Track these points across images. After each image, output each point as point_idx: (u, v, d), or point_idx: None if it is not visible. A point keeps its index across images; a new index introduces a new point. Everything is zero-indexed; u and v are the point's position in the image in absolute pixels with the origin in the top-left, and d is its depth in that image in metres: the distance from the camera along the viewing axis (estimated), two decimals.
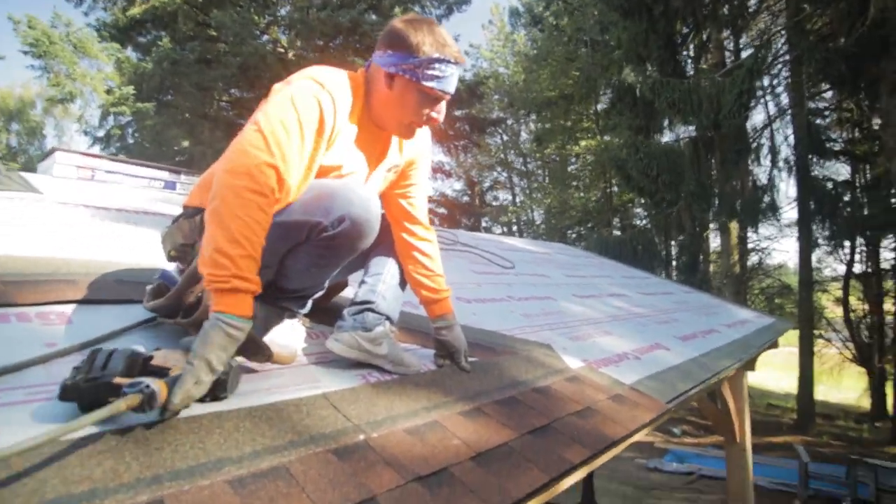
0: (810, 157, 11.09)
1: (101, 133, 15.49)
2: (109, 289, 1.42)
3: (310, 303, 1.45)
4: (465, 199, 27.53)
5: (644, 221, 15.67)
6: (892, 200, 10.45)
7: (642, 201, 14.36)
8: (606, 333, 2.56)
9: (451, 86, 1.30)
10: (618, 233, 17.25)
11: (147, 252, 1.84)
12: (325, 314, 1.63)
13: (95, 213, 2.15)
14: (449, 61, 1.27)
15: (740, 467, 4.41)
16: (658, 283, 5.06)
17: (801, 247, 12.29)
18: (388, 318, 1.45)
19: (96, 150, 14.74)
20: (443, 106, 1.34)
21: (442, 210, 23.65)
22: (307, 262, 1.28)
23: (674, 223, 11.51)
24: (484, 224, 26.98)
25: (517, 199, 27.45)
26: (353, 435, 1.07)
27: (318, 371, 1.34)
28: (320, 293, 1.46)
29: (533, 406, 1.45)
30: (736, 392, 4.28)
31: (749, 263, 16.04)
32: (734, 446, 4.49)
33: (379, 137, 1.40)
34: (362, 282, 1.49)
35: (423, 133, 1.48)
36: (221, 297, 1.01)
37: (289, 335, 1.34)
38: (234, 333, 1.00)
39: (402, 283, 1.55)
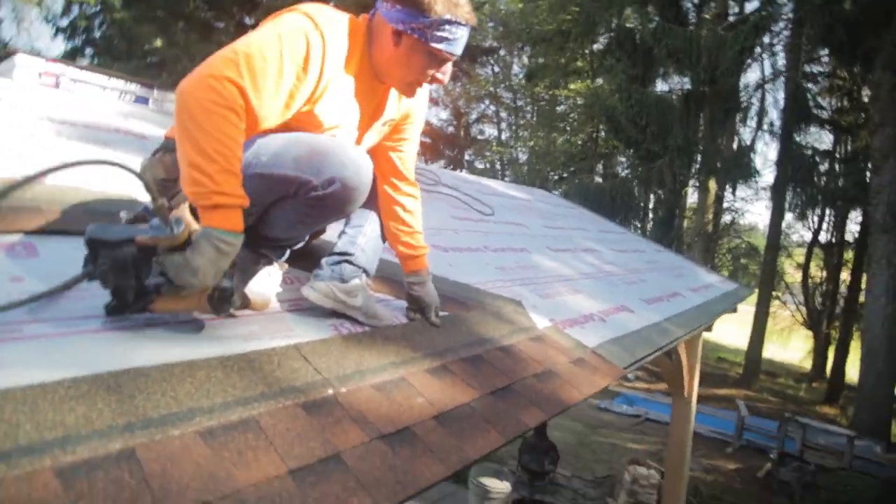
0: (795, 123, 11.12)
1: (64, 22, 14.39)
2: (79, 220, 1.38)
3: (288, 252, 1.44)
4: (451, 129, 26.96)
5: (627, 171, 15.72)
6: (867, 174, 10.67)
7: (629, 151, 14.34)
8: (576, 292, 2.64)
9: (460, 48, 1.26)
10: (599, 180, 17.30)
11: (118, 178, 1.78)
12: (303, 259, 1.63)
13: (61, 130, 2.05)
14: (460, 23, 1.21)
15: (684, 420, 4.73)
16: (632, 241, 5.16)
17: (774, 211, 12.59)
18: (365, 271, 1.47)
19: (60, 41, 13.70)
20: (448, 67, 1.30)
21: (426, 139, 23.20)
22: (293, 217, 1.27)
23: (655, 177, 11.58)
24: (467, 157, 26.67)
25: (503, 135, 27.01)
26: (323, 389, 1.11)
27: (292, 319, 1.36)
28: (300, 244, 1.46)
29: (497, 366, 1.51)
30: (690, 351, 4.51)
31: (722, 222, 16.44)
32: (681, 400, 4.79)
33: (377, 90, 1.35)
34: (343, 232, 1.49)
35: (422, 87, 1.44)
36: (206, 213, 1.01)
37: (264, 282, 1.34)
38: (223, 248, 1.01)
39: (383, 237, 1.56)
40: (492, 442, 1.19)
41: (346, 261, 1.43)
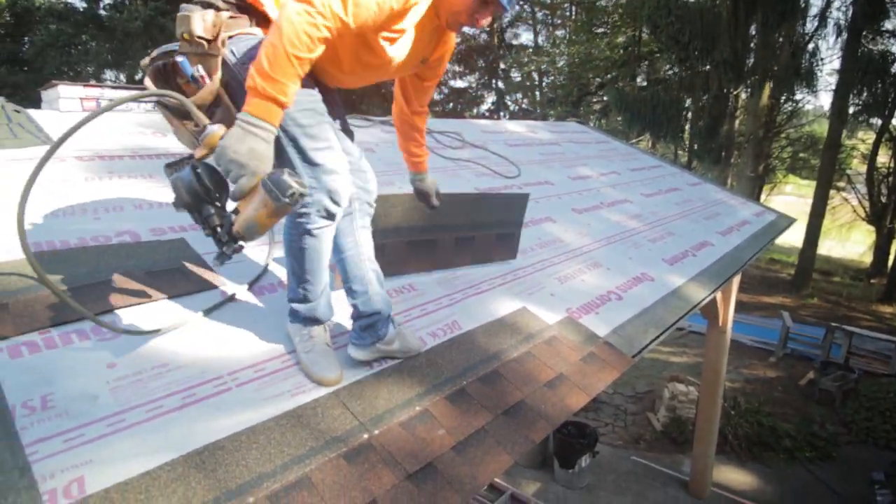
0: (866, 17, 9.88)
1: None
2: (140, 280, 1.64)
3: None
4: (484, 37, 25.61)
5: (671, 73, 14.70)
6: None
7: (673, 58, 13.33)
8: (595, 266, 2.76)
9: (512, 3, 1.44)
10: (643, 83, 16.30)
11: (153, 215, 2.02)
12: None
13: (112, 167, 2.28)
14: None
15: (718, 349, 4.90)
16: (665, 177, 5.08)
17: (834, 112, 11.65)
18: (391, 316, 1.65)
19: None
20: (492, 18, 1.47)
21: (460, 46, 22.19)
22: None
23: (700, 83, 10.84)
24: (502, 67, 25.46)
25: (539, 39, 25.40)
26: (360, 434, 1.37)
27: None
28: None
29: (511, 380, 1.73)
30: (725, 286, 4.57)
31: (780, 118, 15.38)
32: (715, 329, 4.94)
33: (433, 34, 1.53)
34: (352, 290, 1.60)
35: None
36: (247, 100, 1.18)
37: (330, 355, 1.55)
38: (247, 128, 1.15)
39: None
40: (502, 464, 1.44)
41: (378, 321, 1.59)
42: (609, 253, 2.97)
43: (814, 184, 16.57)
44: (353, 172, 1.57)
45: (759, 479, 5.93)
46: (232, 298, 1.73)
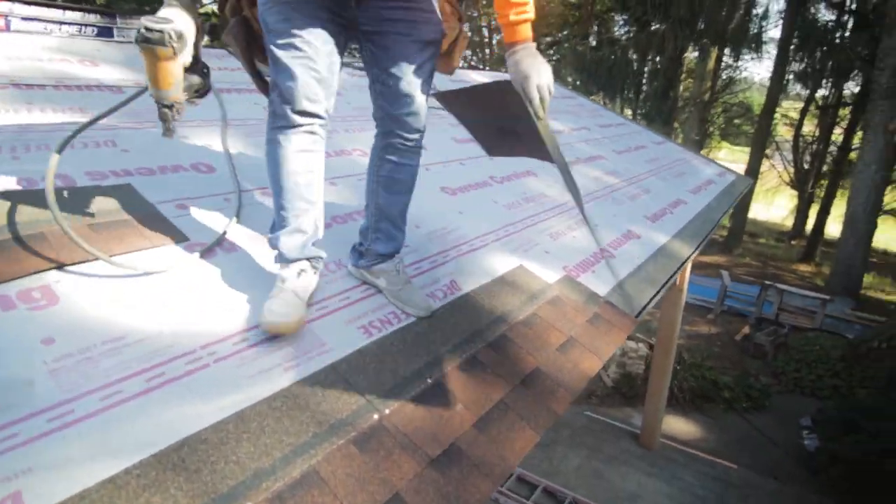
0: None
1: None
2: (81, 234, 1.32)
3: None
4: None
5: (624, 36, 14.70)
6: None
7: (625, 17, 13.28)
8: (583, 222, 2.62)
9: None
10: (593, 43, 16.21)
11: (88, 156, 1.66)
12: None
13: (31, 97, 1.86)
14: None
15: (674, 306, 5.00)
16: (631, 134, 5.00)
17: (774, 78, 12.05)
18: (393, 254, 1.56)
19: None
20: None
21: None
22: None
23: (654, 44, 10.86)
24: None
25: None
26: (368, 415, 1.16)
27: (321, 328, 1.37)
28: None
29: (522, 345, 1.56)
30: None
31: (718, 83, 15.81)
32: (674, 287, 5.02)
33: None
34: (380, 229, 1.54)
35: None
36: None
37: (290, 303, 1.30)
38: None
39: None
40: (528, 441, 1.28)
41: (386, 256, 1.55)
42: (594, 209, 2.84)
43: (745, 150, 17.31)
44: (380, 95, 1.41)
45: (701, 428, 6.26)
46: (223, 237, 1.53)
